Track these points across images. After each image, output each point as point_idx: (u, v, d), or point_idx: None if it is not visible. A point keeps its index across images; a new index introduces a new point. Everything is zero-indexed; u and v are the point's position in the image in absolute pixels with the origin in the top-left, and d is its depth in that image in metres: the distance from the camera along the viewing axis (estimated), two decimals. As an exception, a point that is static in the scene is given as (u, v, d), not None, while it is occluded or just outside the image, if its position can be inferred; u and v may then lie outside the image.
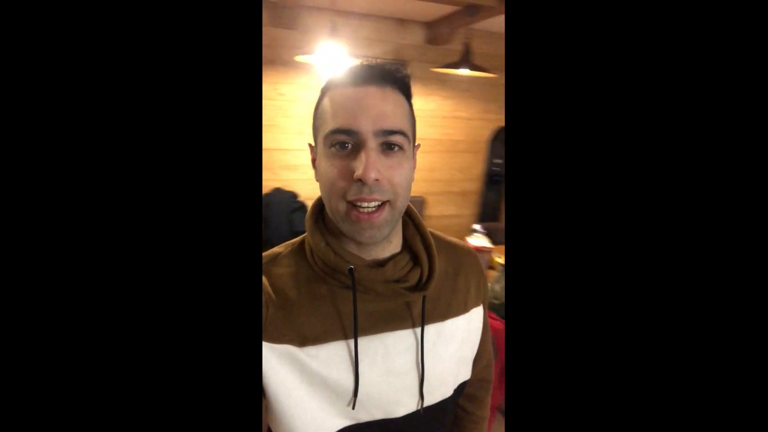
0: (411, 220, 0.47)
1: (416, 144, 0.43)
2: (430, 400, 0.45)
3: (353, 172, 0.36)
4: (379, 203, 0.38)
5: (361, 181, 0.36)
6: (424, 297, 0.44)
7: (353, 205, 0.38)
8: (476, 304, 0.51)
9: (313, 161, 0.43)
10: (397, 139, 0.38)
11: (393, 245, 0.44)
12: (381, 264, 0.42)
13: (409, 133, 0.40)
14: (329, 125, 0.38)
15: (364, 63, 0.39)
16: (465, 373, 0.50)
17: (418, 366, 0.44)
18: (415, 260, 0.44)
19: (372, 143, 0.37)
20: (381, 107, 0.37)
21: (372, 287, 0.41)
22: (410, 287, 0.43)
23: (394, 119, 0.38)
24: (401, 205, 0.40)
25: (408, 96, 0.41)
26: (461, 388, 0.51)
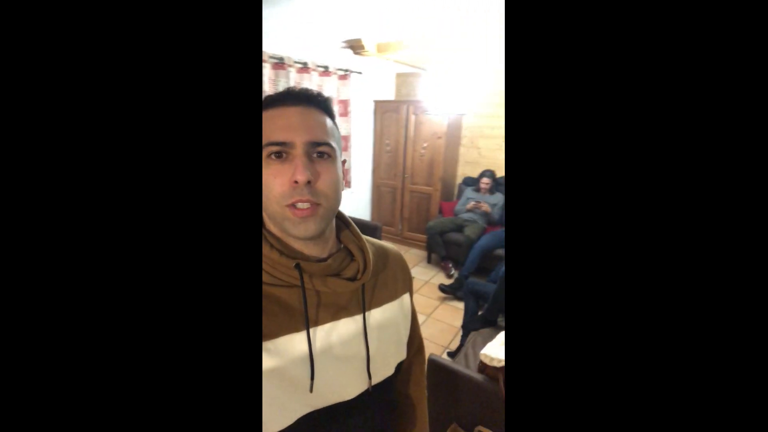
0: (343, 224, 0.54)
1: (343, 160, 0.50)
2: (376, 378, 0.52)
3: (290, 177, 0.42)
4: (313, 204, 0.44)
5: (297, 183, 0.42)
6: (363, 285, 0.51)
7: (290, 205, 0.43)
8: (404, 292, 0.60)
9: None
10: (325, 149, 0.44)
11: (329, 245, 0.50)
12: (323, 260, 0.48)
13: (335, 145, 0.46)
14: (267, 138, 0.44)
15: (290, 88, 0.47)
16: (402, 353, 0.58)
17: (363, 348, 0.50)
18: (352, 256, 0.52)
19: (304, 152, 0.43)
20: (309, 123, 0.44)
21: (317, 280, 0.47)
22: (350, 278, 0.49)
23: (321, 132, 0.44)
24: (333, 205, 0.46)
25: (330, 115, 0.48)
26: (399, 367, 0.58)
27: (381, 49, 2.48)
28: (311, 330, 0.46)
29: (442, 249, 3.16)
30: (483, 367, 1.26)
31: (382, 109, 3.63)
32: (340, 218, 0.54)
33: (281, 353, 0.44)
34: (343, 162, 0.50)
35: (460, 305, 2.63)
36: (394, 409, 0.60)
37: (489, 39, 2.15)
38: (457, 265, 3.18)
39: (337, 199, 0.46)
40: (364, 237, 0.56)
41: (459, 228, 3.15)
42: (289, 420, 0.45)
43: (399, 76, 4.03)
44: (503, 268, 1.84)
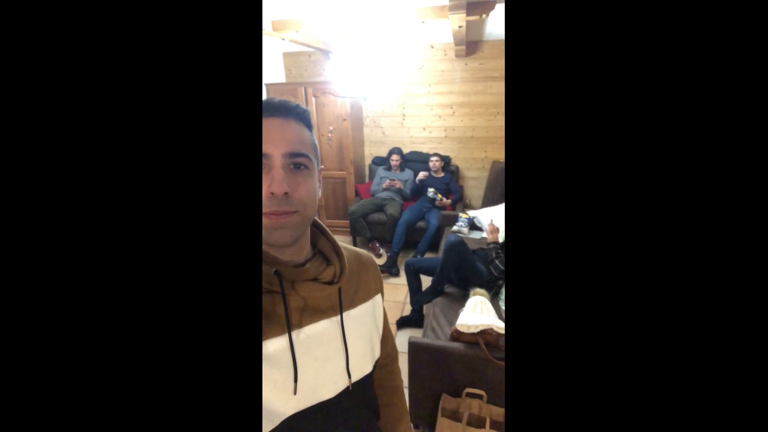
0: (318, 230, 0.56)
1: (320, 167, 0.51)
2: (355, 376, 0.54)
3: (267, 189, 0.43)
4: (289, 212, 0.45)
5: (273, 195, 0.42)
6: (339, 288, 0.53)
7: (266, 215, 0.44)
8: (376, 293, 0.62)
9: None
10: (302, 160, 0.45)
11: (305, 252, 0.52)
12: (301, 265, 0.50)
13: (312, 156, 0.47)
14: None
15: (269, 99, 0.46)
16: (377, 351, 0.61)
17: (342, 348, 0.52)
18: (327, 261, 0.53)
19: (281, 163, 0.44)
20: (286, 134, 0.45)
21: (296, 285, 0.48)
22: (327, 282, 0.51)
23: (298, 144, 0.45)
24: (309, 214, 0.47)
25: (308, 126, 0.48)
26: (376, 364, 0.61)
27: (277, 27, 2.25)
28: (293, 333, 0.47)
29: (367, 231, 3.19)
30: (458, 336, 1.36)
31: (275, 93, 3.34)
32: (314, 225, 0.55)
33: (264, 358, 0.45)
34: (321, 170, 0.51)
35: (398, 281, 2.74)
36: (373, 406, 0.63)
37: (390, 16, 2.16)
38: (384, 243, 3.27)
39: (314, 208, 0.48)
40: (339, 243, 0.58)
41: (379, 208, 3.21)
42: (274, 423, 0.45)
43: (287, 55, 3.74)
44: (446, 238, 1.97)
